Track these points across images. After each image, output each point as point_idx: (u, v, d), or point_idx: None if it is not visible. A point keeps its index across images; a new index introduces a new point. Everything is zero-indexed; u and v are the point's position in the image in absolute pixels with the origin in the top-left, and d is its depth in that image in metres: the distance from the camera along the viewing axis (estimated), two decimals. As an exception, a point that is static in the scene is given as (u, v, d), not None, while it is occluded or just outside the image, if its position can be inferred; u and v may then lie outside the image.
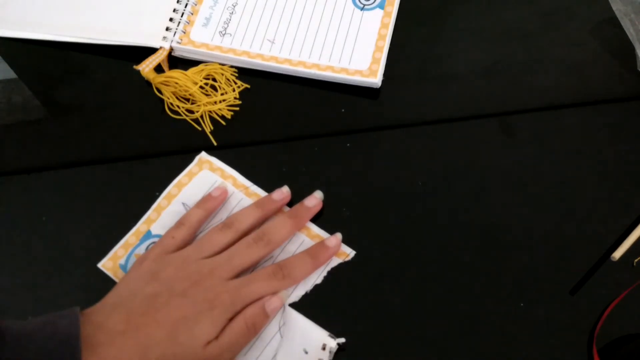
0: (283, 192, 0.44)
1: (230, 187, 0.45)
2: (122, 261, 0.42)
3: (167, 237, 0.41)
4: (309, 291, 0.41)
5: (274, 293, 0.40)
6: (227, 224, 0.42)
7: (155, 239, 0.43)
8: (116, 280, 0.42)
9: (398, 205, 0.45)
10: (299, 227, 0.43)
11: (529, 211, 0.44)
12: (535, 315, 0.41)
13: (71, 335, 0.33)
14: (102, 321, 0.36)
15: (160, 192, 0.45)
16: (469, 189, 0.45)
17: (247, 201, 0.44)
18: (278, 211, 0.44)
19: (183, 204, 0.44)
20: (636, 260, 0.42)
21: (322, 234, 0.43)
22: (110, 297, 0.38)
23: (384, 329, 0.40)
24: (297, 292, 0.41)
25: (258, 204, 0.43)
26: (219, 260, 0.40)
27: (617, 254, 0.41)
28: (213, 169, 0.46)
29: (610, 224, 0.43)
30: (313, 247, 0.42)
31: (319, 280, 0.42)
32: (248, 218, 0.42)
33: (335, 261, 0.42)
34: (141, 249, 0.43)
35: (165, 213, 0.44)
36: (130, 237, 0.43)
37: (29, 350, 0.33)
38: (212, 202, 0.43)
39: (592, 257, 0.42)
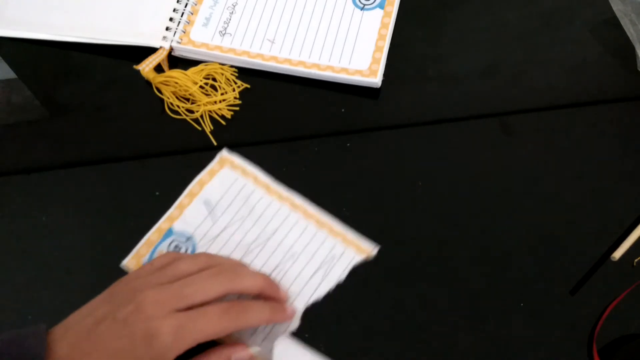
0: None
1: (251, 186, 0.45)
2: (145, 259, 0.43)
3: (146, 264, 0.40)
4: (332, 290, 0.41)
5: (223, 333, 0.36)
6: (202, 256, 0.40)
7: (177, 237, 0.43)
8: None
9: (398, 205, 0.45)
10: (268, 289, 0.40)
11: (529, 211, 0.44)
12: (535, 315, 0.41)
13: (37, 356, 0.32)
14: (53, 342, 0.34)
15: (160, 191, 0.45)
16: (469, 188, 0.45)
17: (268, 199, 0.45)
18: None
19: (205, 201, 0.45)
20: (636, 260, 0.42)
21: (318, 214, 0.44)
22: (73, 316, 0.37)
23: (382, 328, 0.40)
24: (321, 290, 0.41)
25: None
26: (170, 288, 0.36)
27: (617, 254, 0.41)
28: (234, 167, 0.46)
29: (610, 224, 0.43)
30: (272, 303, 0.39)
31: (342, 277, 0.42)
32: (226, 262, 0.40)
33: (358, 258, 0.42)
34: (163, 247, 0.43)
35: (187, 211, 0.44)
36: (153, 235, 0.44)
37: None
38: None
39: (592, 257, 0.42)
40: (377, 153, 0.47)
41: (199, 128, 0.48)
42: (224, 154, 0.46)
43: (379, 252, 0.43)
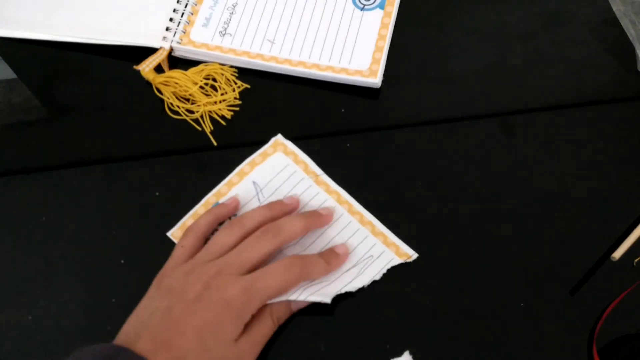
0: (293, 198, 0.44)
1: (301, 173, 0.46)
2: None
3: (177, 248, 0.41)
4: (366, 286, 0.41)
5: (290, 288, 0.39)
6: (234, 223, 0.41)
7: None
8: None
9: (397, 206, 0.45)
10: (310, 228, 0.42)
11: (528, 211, 0.44)
12: (535, 315, 0.41)
13: None
14: (131, 347, 0.35)
15: (160, 191, 0.45)
16: (469, 189, 0.45)
17: (316, 189, 0.45)
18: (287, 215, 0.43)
19: (254, 182, 0.45)
20: (636, 260, 0.42)
21: (363, 211, 0.44)
22: (131, 322, 0.38)
23: (380, 328, 0.40)
24: (355, 284, 0.41)
25: (268, 205, 0.43)
26: (226, 259, 0.39)
27: (617, 254, 0.41)
28: (287, 152, 0.47)
29: (610, 224, 0.43)
30: (327, 252, 0.42)
31: (377, 277, 0.42)
32: (256, 217, 0.42)
33: (396, 260, 0.42)
34: None
35: (236, 189, 0.45)
36: (200, 208, 0.44)
37: None
38: (222, 209, 0.43)
39: (592, 257, 0.42)
40: (377, 153, 0.47)
41: (199, 128, 0.48)
42: (279, 138, 0.47)
43: (379, 252, 0.43)
